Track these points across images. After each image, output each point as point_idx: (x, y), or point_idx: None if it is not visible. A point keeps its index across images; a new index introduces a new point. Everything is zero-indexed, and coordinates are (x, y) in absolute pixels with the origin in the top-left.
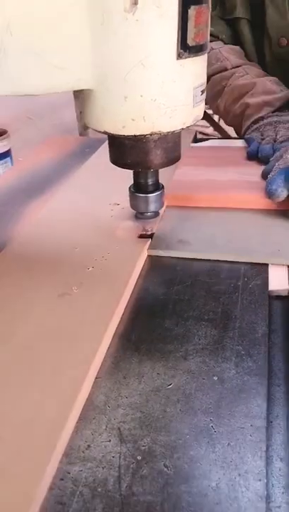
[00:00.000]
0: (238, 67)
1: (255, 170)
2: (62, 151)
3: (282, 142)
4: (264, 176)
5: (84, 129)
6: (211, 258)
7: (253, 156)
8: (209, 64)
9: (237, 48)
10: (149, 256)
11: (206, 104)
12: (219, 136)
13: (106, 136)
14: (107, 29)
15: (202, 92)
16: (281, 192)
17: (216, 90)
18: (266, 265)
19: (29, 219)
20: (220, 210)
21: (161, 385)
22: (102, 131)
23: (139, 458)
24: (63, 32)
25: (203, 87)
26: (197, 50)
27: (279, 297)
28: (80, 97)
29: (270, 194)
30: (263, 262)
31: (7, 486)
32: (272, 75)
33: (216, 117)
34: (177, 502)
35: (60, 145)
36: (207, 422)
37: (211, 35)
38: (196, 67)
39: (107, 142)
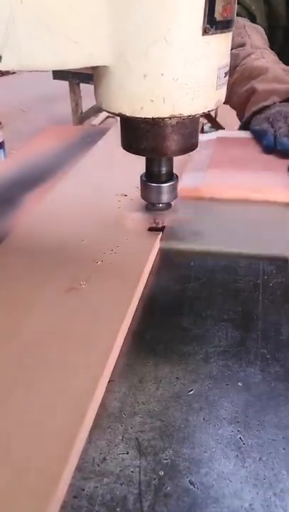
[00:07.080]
0: (256, 49)
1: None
2: (62, 140)
3: None
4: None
5: (79, 121)
6: (228, 251)
7: (270, 149)
8: None
9: (261, 29)
10: (160, 249)
11: None
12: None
13: (106, 126)
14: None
15: (225, 74)
16: None
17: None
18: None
19: (29, 210)
20: (235, 204)
21: (182, 391)
22: (117, 112)
23: (161, 473)
24: (78, 2)
25: (227, 68)
26: (224, 26)
27: None
28: (93, 75)
29: None
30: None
31: (15, 503)
32: None
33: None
34: None
35: (60, 134)
36: (234, 432)
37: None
38: (222, 46)
39: (110, 131)
